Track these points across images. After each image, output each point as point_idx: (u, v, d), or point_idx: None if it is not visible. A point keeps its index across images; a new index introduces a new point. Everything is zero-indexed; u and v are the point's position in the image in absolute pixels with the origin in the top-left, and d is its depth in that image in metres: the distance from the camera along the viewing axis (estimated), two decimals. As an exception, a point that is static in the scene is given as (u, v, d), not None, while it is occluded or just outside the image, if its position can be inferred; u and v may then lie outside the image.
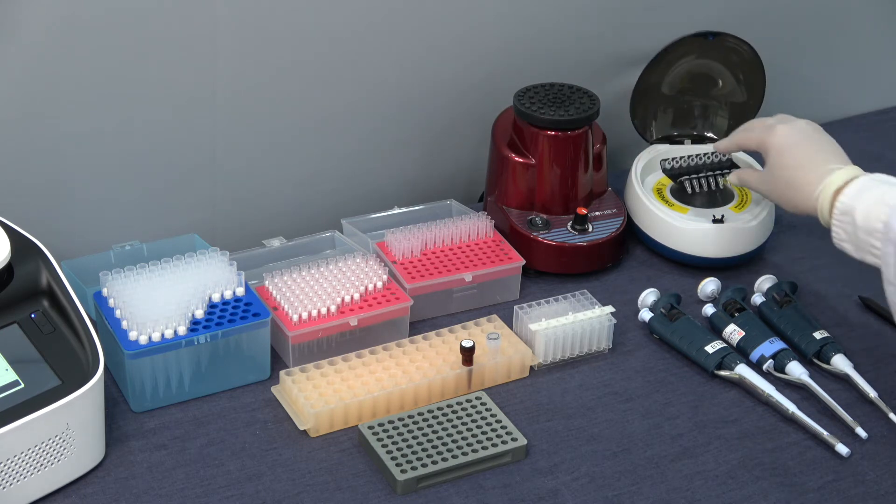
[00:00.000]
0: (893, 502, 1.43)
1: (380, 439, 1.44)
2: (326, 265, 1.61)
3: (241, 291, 1.53)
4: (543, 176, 1.72)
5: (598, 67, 1.89)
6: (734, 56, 1.84)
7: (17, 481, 1.33)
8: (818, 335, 1.60)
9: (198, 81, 1.65)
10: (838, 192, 1.49)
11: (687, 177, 1.76)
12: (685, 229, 1.73)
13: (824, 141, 1.57)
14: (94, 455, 1.41)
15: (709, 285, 1.68)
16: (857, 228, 1.46)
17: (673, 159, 1.78)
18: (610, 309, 1.61)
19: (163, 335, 1.46)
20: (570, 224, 1.72)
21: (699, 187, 1.76)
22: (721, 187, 1.77)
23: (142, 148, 1.67)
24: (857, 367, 1.57)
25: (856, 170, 1.52)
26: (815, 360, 1.59)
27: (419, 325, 1.63)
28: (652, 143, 1.86)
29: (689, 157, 1.78)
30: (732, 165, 1.77)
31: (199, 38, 1.62)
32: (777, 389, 1.53)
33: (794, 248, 1.80)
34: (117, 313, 1.48)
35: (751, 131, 1.63)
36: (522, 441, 1.45)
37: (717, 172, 1.77)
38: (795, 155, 1.56)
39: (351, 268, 1.61)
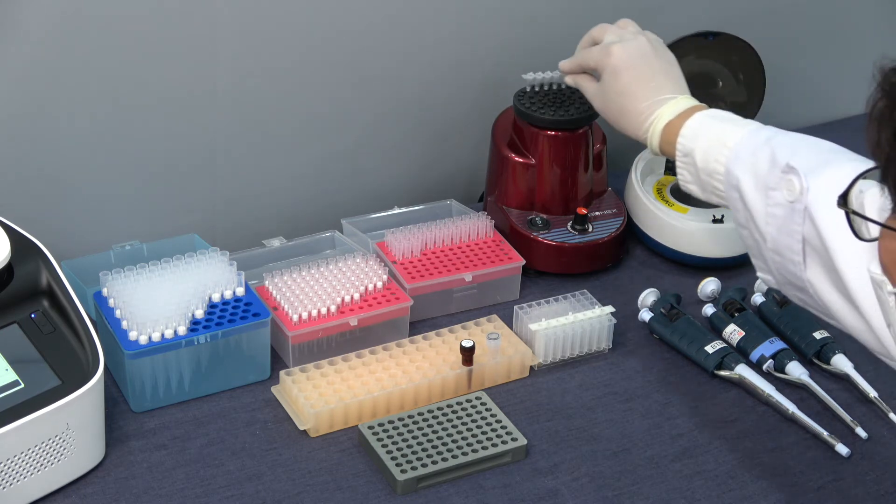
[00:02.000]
0: (893, 502, 1.43)
1: (380, 439, 1.44)
2: (326, 265, 1.61)
3: (241, 291, 1.53)
4: (543, 176, 1.72)
5: (598, 67, 1.88)
6: (734, 56, 1.84)
7: (17, 481, 1.33)
8: (818, 335, 1.60)
9: (198, 81, 1.65)
10: (671, 127, 1.48)
11: None
12: (685, 229, 1.73)
13: (661, 64, 1.55)
14: (93, 455, 1.41)
15: (709, 285, 1.68)
16: (698, 170, 1.45)
17: None
18: (610, 309, 1.61)
19: (163, 335, 1.46)
20: (570, 224, 1.72)
21: None
22: None
23: (142, 148, 1.67)
24: (857, 367, 1.57)
25: (687, 101, 1.51)
26: (815, 360, 1.59)
27: (419, 325, 1.63)
28: (652, 143, 1.86)
29: None
30: None
31: (199, 38, 1.62)
32: (777, 389, 1.53)
33: (794, 248, 1.80)
34: (117, 313, 1.48)
35: (590, 51, 1.59)
36: (522, 441, 1.45)
37: None
38: (627, 80, 1.53)
39: (351, 268, 1.61)
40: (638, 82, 1.53)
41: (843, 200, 1.12)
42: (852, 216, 1.11)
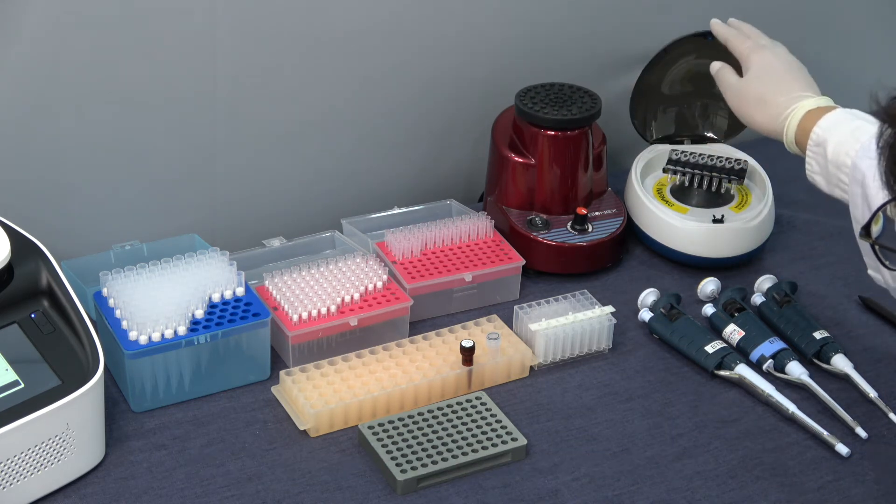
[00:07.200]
0: (893, 502, 1.43)
1: (380, 439, 1.44)
2: (326, 265, 1.61)
3: (241, 291, 1.53)
4: (543, 176, 1.72)
5: (598, 67, 1.89)
6: (734, 56, 1.84)
7: (17, 481, 1.34)
8: (818, 335, 1.60)
9: (198, 81, 1.65)
10: (809, 119, 1.52)
11: (689, 171, 1.76)
12: (685, 229, 1.73)
13: (804, 74, 1.62)
14: (94, 455, 1.41)
15: (709, 285, 1.68)
16: (827, 162, 1.48)
17: (682, 152, 1.77)
18: (610, 309, 1.61)
19: (163, 335, 1.46)
20: (569, 224, 1.72)
21: (699, 184, 1.76)
22: (722, 191, 1.76)
23: (142, 148, 1.67)
24: (857, 367, 1.57)
25: (828, 100, 1.56)
26: (815, 360, 1.59)
27: (419, 325, 1.63)
28: (652, 143, 1.86)
29: (698, 154, 1.77)
30: (740, 171, 1.75)
31: (199, 38, 1.62)
32: (777, 389, 1.53)
33: (794, 248, 1.80)
34: (117, 313, 1.48)
35: (743, 42, 1.67)
36: (522, 441, 1.45)
37: (722, 175, 1.76)
38: (773, 76, 1.61)
39: (351, 268, 1.61)
40: (784, 79, 1.60)
41: (866, 232, 1.12)
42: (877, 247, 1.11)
